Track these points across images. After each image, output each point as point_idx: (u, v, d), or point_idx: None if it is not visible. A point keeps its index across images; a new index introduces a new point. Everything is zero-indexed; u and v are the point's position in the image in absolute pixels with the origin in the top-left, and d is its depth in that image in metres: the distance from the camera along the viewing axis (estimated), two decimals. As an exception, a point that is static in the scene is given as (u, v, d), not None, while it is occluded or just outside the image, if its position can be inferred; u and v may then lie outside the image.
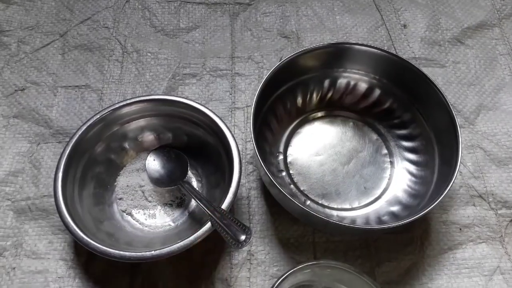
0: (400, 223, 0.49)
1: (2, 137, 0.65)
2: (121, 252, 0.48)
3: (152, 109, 0.60)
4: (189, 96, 0.69)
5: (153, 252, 0.48)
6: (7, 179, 0.62)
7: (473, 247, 0.59)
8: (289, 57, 0.59)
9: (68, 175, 0.54)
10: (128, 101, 0.58)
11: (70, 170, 0.55)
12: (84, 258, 0.56)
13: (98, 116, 0.57)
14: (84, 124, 0.57)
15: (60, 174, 0.53)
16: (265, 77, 0.57)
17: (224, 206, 0.51)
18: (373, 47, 0.61)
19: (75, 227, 0.50)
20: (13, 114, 0.67)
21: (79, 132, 0.56)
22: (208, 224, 0.50)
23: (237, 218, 0.58)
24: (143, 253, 0.48)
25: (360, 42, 0.71)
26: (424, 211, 0.49)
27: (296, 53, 0.59)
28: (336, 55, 0.63)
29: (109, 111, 0.57)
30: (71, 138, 0.56)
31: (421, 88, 0.60)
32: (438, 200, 0.50)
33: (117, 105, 0.58)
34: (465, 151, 0.65)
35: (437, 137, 0.60)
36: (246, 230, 0.47)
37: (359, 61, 0.63)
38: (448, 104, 0.56)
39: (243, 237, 0.46)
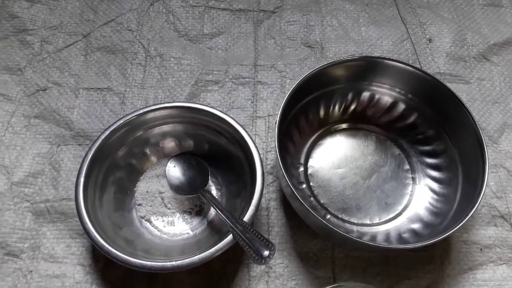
0: (422, 244, 0.48)
1: (23, 137, 0.65)
2: (142, 262, 0.48)
3: (176, 116, 0.60)
4: (211, 103, 0.69)
5: (173, 262, 0.48)
6: (26, 180, 0.61)
7: (493, 268, 0.58)
8: (317, 68, 0.58)
9: (89, 180, 0.54)
10: (153, 107, 0.58)
11: (92, 175, 0.54)
12: (102, 264, 0.56)
13: (122, 121, 0.57)
14: (107, 128, 0.56)
15: (82, 179, 0.53)
16: (292, 88, 0.56)
17: (246, 218, 0.51)
18: (400, 62, 0.60)
19: (95, 234, 0.49)
20: (34, 114, 0.67)
21: (103, 136, 0.56)
22: (230, 237, 0.49)
23: (256, 229, 0.57)
24: (164, 263, 0.48)
25: (385, 55, 0.71)
26: (448, 233, 0.49)
27: (325, 64, 0.58)
28: (365, 68, 0.62)
29: (134, 116, 0.57)
30: (94, 142, 0.55)
31: (447, 105, 0.59)
32: (463, 222, 0.49)
33: (141, 111, 0.58)
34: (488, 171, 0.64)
35: (461, 155, 0.59)
36: (270, 245, 0.46)
37: (384, 74, 0.63)
38: (474, 122, 0.55)
39: (266, 253, 0.46)
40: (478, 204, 0.50)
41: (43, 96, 0.68)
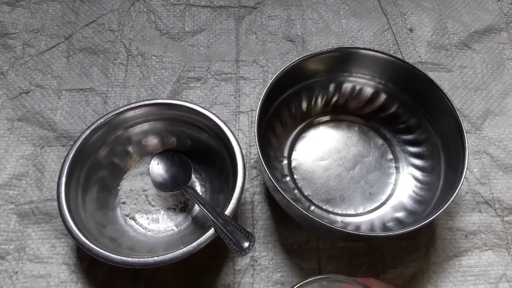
0: (405, 230, 0.49)
1: (6, 140, 0.65)
2: (124, 258, 0.48)
3: (156, 113, 0.60)
4: (194, 99, 0.69)
5: (155, 258, 0.48)
6: (10, 182, 0.62)
7: (479, 254, 0.58)
8: (294, 61, 0.58)
9: (71, 179, 0.54)
10: (132, 105, 0.58)
11: (73, 174, 0.54)
12: (87, 263, 0.56)
13: (102, 120, 0.57)
14: (88, 128, 0.56)
15: (63, 179, 0.53)
16: (270, 81, 0.57)
17: (227, 212, 0.51)
18: (379, 51, 0.60)
19: (78, 232, 0.50)
20: (17, 117, 0.67)
21: (83, 136, 0.56)
22: (211, 230, 0.49)
23: (241, 223, 0.58)
24: (145, 259, 0.48)
25: (366, 46, 0.71)
26: (430, 219, 0.49)
27: (302, 57, 0.59)
28: (342, 59, 0.62)
29: (113, 115, 0.57)
30: (75, 142, 0.55)
31: (428, 93, 0.59)
32: (444, 207, 0.49)
33: (121, 109, 0.58)
34: (471, 157, 0.65)
35: (443, 142, 0.59)
36: (250, 237, 0.46)
37: (365, 65, 0.63)
38: (454, 109, 0.55)
39: (246, 244, 0.46)
40: (459, 189, 0.50)
41: (26, 99, 0.69)
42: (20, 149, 0.64)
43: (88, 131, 0.56)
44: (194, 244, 0.49)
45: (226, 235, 0.48)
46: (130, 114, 0.58)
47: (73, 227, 0.50)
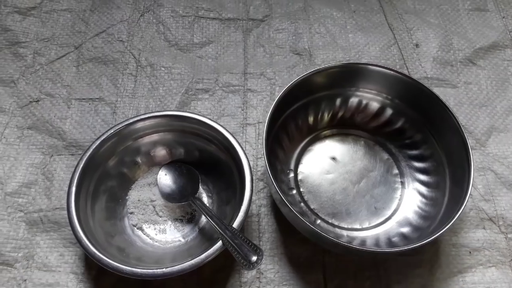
0: (410, 246, 0.49)
1: (16, 148, 0.66)
2: (133, 269, 0.48)
3: (165, 125, 0.60)
4: (202, 111, 0.70)
5: (164, 269, 0.48)
6: (20, 190, 0.62)
7: (482, 271, 0.59)
8: (303, 75, 0.59)
9: (81, 189, 0.55)
10: (142, 116, 0.59)
11: (83, 184, 0.55)
12: (95, 272, 0.57)
13: (112, 131, 0.58)
14: (98, 138, 0.57)
15: (73, 189, 0.53)
16: (279, 95, 0.57)
17: (235, 224, 0.51)
18: (386, 67, 0.61)
19: (87, 242, 0.50)
20: (27, 125, 0.68)
21: (93, 146, 0.56)
22: (219, 243, 0.50)
23: (247, 235, 0.58)
24: (154, 270, 0.48)
25: (372, 62, 0.72)
26: (435, 235, 0.49)
27: (311, 71, 0.59)
28: (349, 74, 0.63)
29: (123, 126, 0.58)
30: (85, 152, 0.56)
31: (433, 109, 0.60)
32: (450, 224, 0.50)
33: (131, 120, 0.58)
34: (475, 173, 0.65)
35: (448, 158, 0.60)
36: (258, 251, 0.47)
37: (371, 80, 0.64)
38: (460, 126, 0.56)
39: (254, 258, 0.46)
40: (464, 206, 0.51)
41: (36, 107, 0.69)
42: (30, 157, 0.65)
43: (98, 141, 0.57)
44: (202, 256, 0.49)
45: (234, 248, 0.48)
46: (140, 125, 0.59)
47: (82, 237, 0.51)
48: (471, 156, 0.54)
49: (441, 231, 0.49)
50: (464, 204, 0.51)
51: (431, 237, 0.49)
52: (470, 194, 0.62)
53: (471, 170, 0.54)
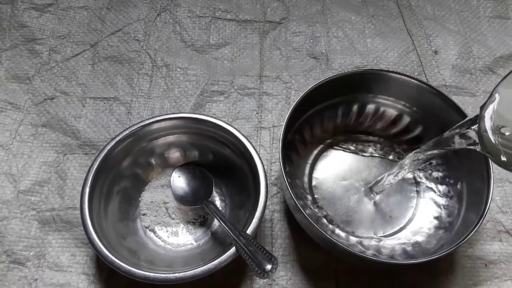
0: (426, 259, 0.48)
1: (30, 145, 0.65)
2: (146, 273, 0.48)
3: (180, 127, 0.60)
4: (216, 113, 0.69)
5: (177, 274, 0.48)
6: (33, 188, 0.62)
7: (498, 284, 0.58)
8: (322, 80, 0.58)
9: (95, 190, 0.54)
10: (158, 118, 0.58)
11: (97, 185, 0.55)
12: (106, 274, 0.56)
13: (128, 132, 0.57)
14: (113, 139, 0.57)
15: (87, 189, 0.53)
16: (296, 100, 0.56)
17: (249, 231, 0.51)
18: (405, 74, 0.60)
19: (100, 244, 0.50)
20: (41, 123, 0.67)
21: (108, 147, 0.56)
22: (233, 249, 0.49)
23: (260, 241, 0.58)
24: (167, 275, 0.48)
25: (391, 67, 0.71)
26: (453, 248, 0.48)
27: (329, 77, 0.58)
28: (367, 80, 0.62)
29: (138, 127, 0.58)
30: (100, 152, 0.56)
31: (452, 118, 0.59)
32: (468, 237, 0.49)
33: (146, 121, 0.58)
34: (493, 185, 0.64)
35: (466, 168, 0.59)
36: (273, 259, 0.46)
37: (389, 87, 0.62)
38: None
39: (269, 267, 0.46)
40: (483, 219, 0.50)
41: (50, 105, 0.69)
42: (43, 155, 0.65)
43: (113, 142, 0.56)
44: (216, 262, 0.49)
45: (248, 255, 0.47)
46: (155, 126, 0.58)
47: (95, 238, 0.50)
48: (492, 167, 0.53)
49: (459, 244, 0.48)
50: (484, 216, 0.50)
51: (448, 250, 0.48)
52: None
53: (490, 181, 0.53)
